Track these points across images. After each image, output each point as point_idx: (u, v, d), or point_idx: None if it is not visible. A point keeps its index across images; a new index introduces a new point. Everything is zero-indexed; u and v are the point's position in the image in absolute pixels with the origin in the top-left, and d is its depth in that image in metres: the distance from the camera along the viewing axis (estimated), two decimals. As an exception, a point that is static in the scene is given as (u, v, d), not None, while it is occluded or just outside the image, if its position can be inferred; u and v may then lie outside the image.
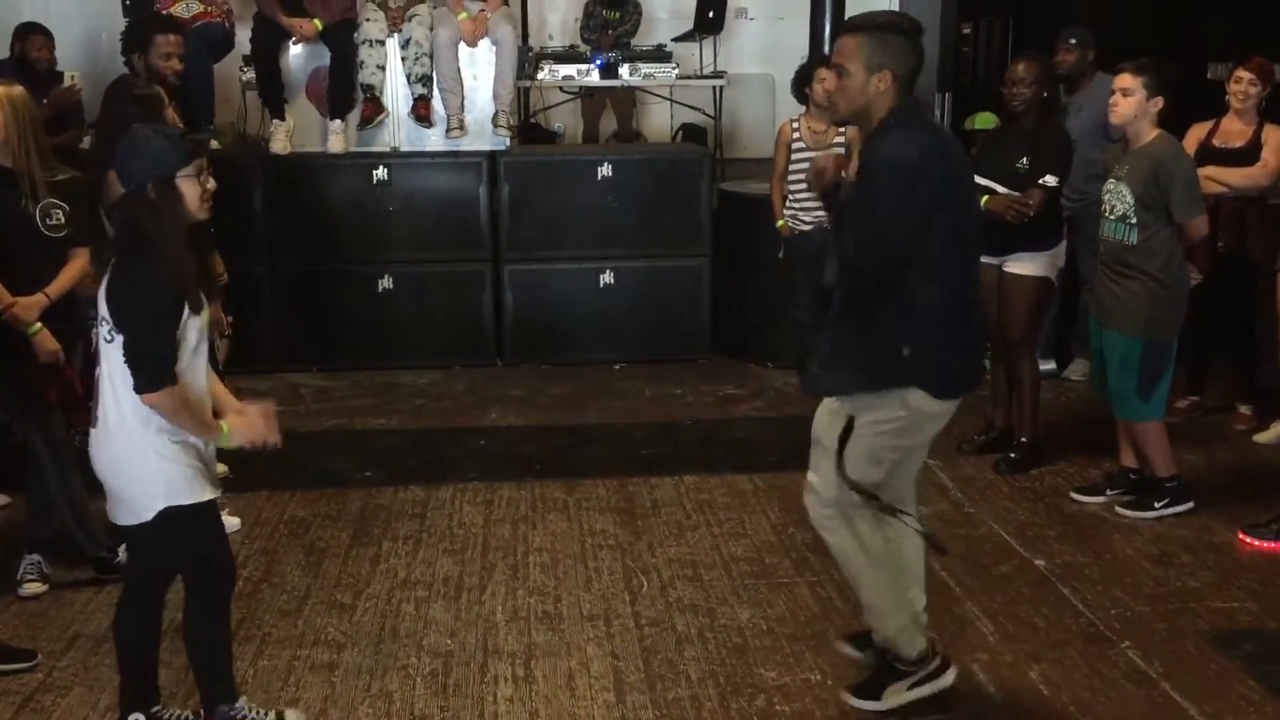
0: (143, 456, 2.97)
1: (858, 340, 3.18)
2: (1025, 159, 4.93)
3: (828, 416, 3.33)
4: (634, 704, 3.45)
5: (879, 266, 3.08)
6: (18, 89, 3.95)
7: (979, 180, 5.07)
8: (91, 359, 3.93)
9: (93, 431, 3.05)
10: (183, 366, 2.97)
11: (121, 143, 3.03)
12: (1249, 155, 5.34)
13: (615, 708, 3.43)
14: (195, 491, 3.02)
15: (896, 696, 3.31)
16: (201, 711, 3.24)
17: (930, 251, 3.04)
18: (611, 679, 3.58)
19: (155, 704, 3.24)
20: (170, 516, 2.98)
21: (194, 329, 2.99)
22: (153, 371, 2.90)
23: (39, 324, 3.90)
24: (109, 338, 2.96)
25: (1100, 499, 4.84)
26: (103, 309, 2.98)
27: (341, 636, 3.83)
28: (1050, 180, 4.89)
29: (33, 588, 4.08)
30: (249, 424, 3.11)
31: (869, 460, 3.20)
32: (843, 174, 3.30)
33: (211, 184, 3.09)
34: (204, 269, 3.25)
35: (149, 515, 2.99)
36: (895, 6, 8.89)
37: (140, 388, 2.90)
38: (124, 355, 2.92)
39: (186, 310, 2.96)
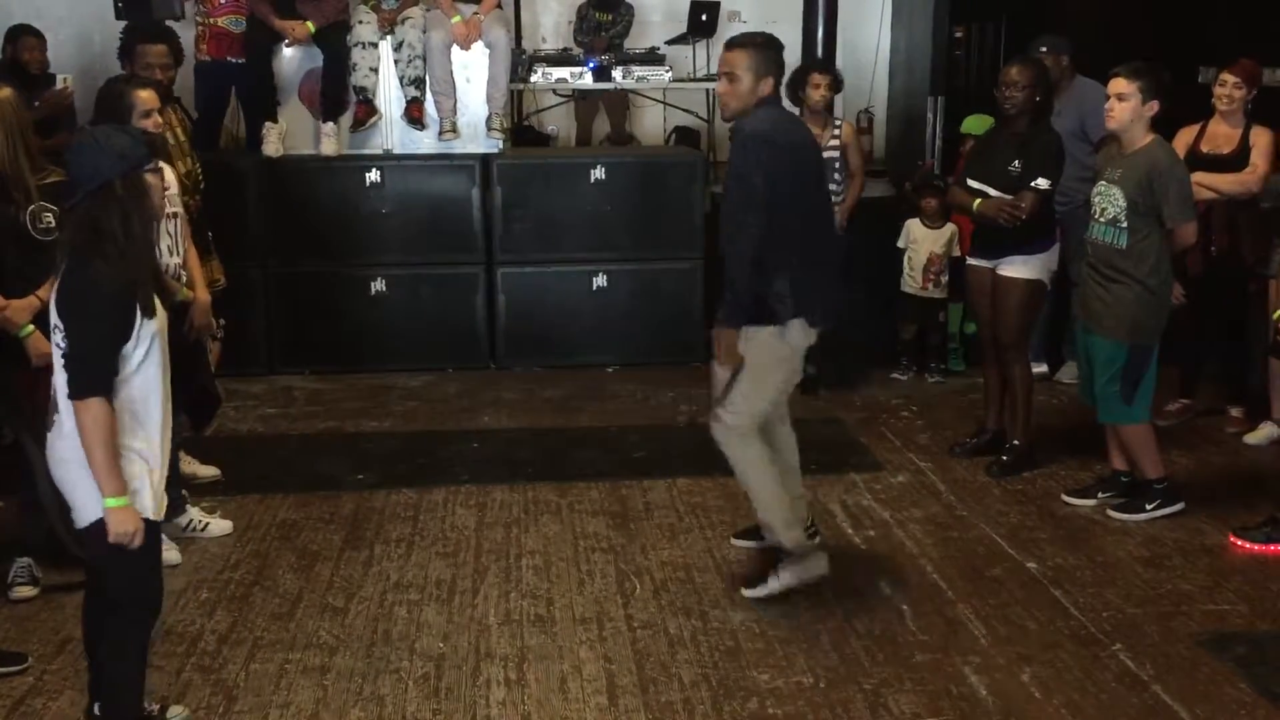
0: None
1: (746, 285, 3.81)
2: (1017, 162, 4.94)
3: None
4: (626, 707, 3.45)
5: (751, 214, 3.76)
6: (7, 91, 3.93)
7: (971, 183, 5.09)
8: None
9: (49, 435, 2.99)
10: (129, 373, 2.90)
11: (80, 142, 2.94)
12: (1237, 161, 5.36)
13: (608, 711, 3.43)
14: (143, 508, 2.93)
15: (778, 582, 4.01)
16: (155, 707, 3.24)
17: (784, 208, 3.78)
18: (604, 682, 3.58)
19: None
20: (105, 527, 2.90)
21: (146, 334, 2.91)
22: (88, 378, 2.82)
23: (31, 326, 3.89)
24: (60, 344, 2.87)
25: (1091, 502, 4.85)
26: (53, 315, 2.89)
27: (333, 640, 3.82)
28: (1042, 183, 4.90)
29: (23, 591, 4.07)
30: (122, 519, 2.90)
31: (760, 384, 3.92)
32: None
33: (170, 179, 3.01)
34: (157, 273, 3.14)
35: (86, 520, 2.93)
36: (889, 10, 8.95)
37: (73, 392, 2.83)
38: (62, 356, 2.85)
39: (139, 316, 2.88)
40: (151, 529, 2.99)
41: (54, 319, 2.91)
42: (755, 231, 3.74)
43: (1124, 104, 4.46)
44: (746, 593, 4.06)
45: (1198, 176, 5.04)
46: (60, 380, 2.91)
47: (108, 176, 2.85)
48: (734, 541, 4.52)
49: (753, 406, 3.93)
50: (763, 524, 4.07)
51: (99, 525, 2.91)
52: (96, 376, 2.84)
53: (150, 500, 2.96)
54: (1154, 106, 4.47)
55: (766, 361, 3.92)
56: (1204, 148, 5.44)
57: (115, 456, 2.88)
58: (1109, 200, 4.53)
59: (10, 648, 3.72)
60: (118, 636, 3.08)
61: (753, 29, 8.92)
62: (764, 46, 3.93)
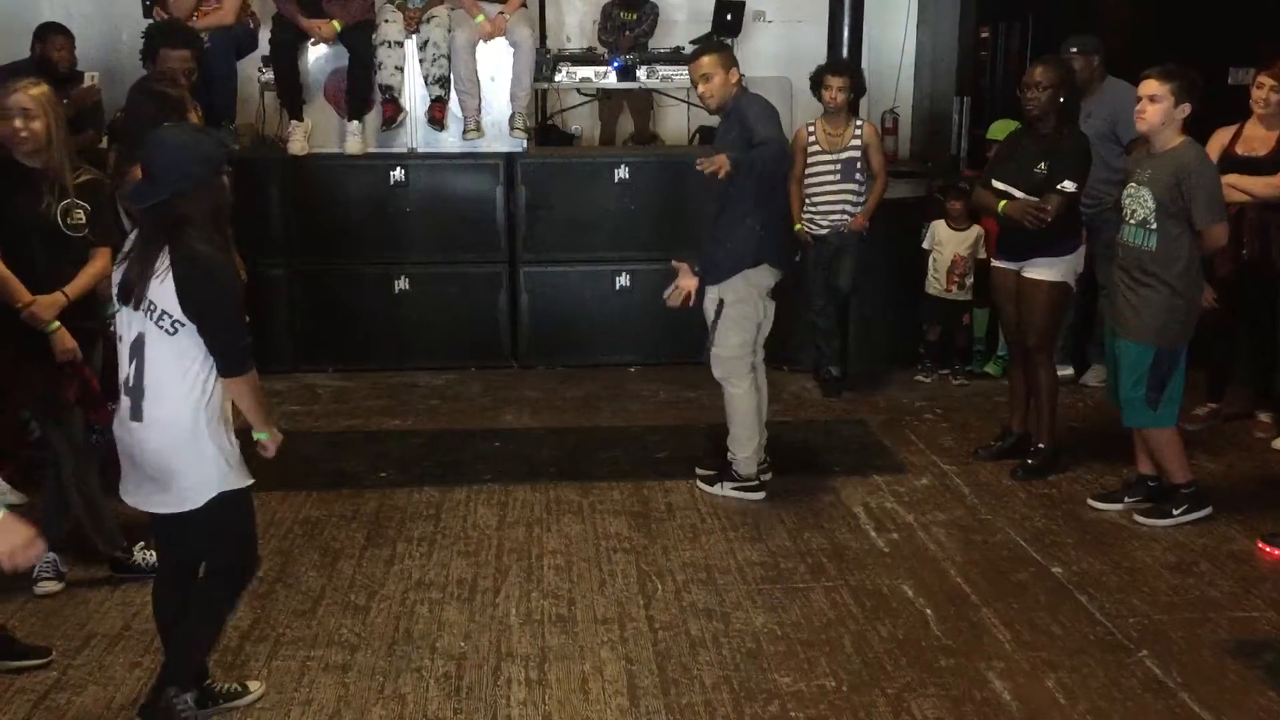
0: (198, 446, 3.05)
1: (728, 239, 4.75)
2: (1044, 164, 4.90)
3: (709, 302, 4.86)
4: (647, 709, 3.44)
5: (777, 158, 4.78)
6: (45, 86, 3.97)
7: (997, 185, 5.05)
8: (113, 357, 3.99)
9: (134, 426, 3.07)
10: None
11: (163, 143, 3.06)
12: (1272, 164, 5.29)
13: (629, 712, 3.42)
14: (244, 476, 3.16)
15: (722, 489, 5.00)
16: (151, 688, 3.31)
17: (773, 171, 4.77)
18: (625, 683, 3.57)
19: (205, 679, 3.38)
20: (224, 501, 3.10)
21: None
22: (241, 356, 3.05)
23: (57, 322, 3.92)
24: (171, 330, 3.00)
25: (1118, 506, 4.80)
26: (164, 304, 2.99)
27: (355, 638, 3.83)
28: (1069, 186, 4.86)
29: (48, 586, 4.10)
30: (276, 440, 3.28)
31: (738, 321, 4.83)
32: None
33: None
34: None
35: (201, 500, 3.08)
36: (915, 10, 8.90)
37: (228, 371, 3.05)
38: (210, 343, 3.02)
39: None
40: (250, 490, 3.22)
41: (164, 305, 2.99)
42: (754, 198, 4.67)
43: (1156, 106, 4.41)
44: (699, 470, 5.14)
45: (1230, 179, 4.99)
46: (154, 368, 3.02)
47: (196, 177, 2.99)
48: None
49: (736, 339, 4.84)
50: (730, 449, 4.98)
51: (211, 504, 3.08)
52: (246, 351, 3.07)
53: (247, 470, 3.19)
54: (1186, 109, 4.42)
55: (741, 300, 4.79)
56: (1239, 150, 5.37)
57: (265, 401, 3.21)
58: (1139, 202, 4.49)
59: (35, 642, 3.74)
60: (214, 600, 3.26)
61: (778, 28, 9.03)
62: (721, 48, 4.89)
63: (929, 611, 4.00)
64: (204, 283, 2.99)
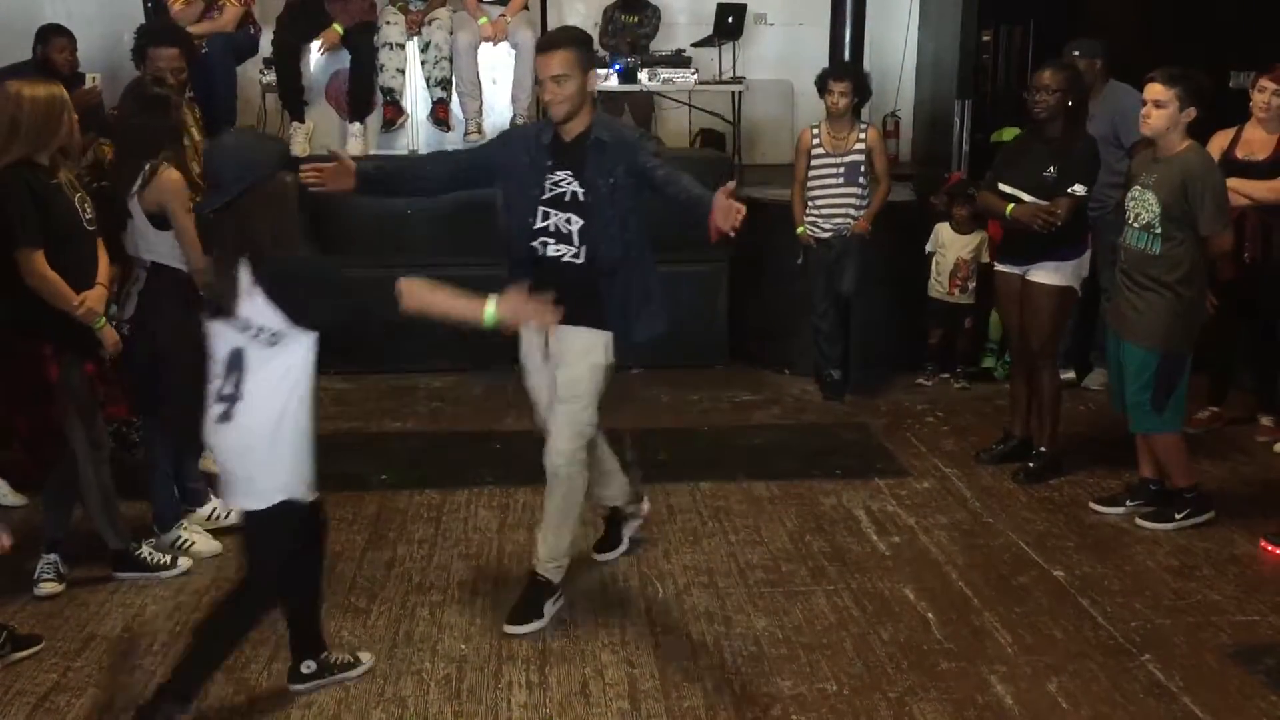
0: (276, 451, 3.10)
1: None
2: (1053, 168, 4.88)
3: (568, 369, 3.89)
4: (648, 712, 3.43)
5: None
6: (59, 86, 3.98)
7: (1004, 188, 5.03)
8: (126, 356, 4.01)
9: (221, 428, 3.11)
10: (309, 354, 3.12)
11: (224, 148, 3.17)
12: (1273, 167, 5.29)
13: (630, 715, 3.41)
14: (306, 493, 3.22)
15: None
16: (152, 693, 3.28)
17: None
18: (626, 686, 3.56)
19: (323, 650, 3.52)
20: (284, 510, 3.16)
21: None
22: (387, 304, 3.17)
23: (104, 318, 3.96)
24: (270, 341, 3.03)
25: (1120, 510, 4.80)
26: (260, 320, 3.02)
27: (355, 640, 3.81)
28: (1079, 189, 4.84)
29: (49, 587, 4.09)
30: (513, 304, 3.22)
31: (596, 395, 3.92)
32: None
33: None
34: None
35: (270, 501, 3.14)
36: (915, 12, 8.90)
37: (395, 314, 3.15)
38: (348, 325, 3.16)
39: None
40: (311, 507, 3.27)
41: (259, 321, 3.02)
42: None
43: (1161, 111, 4.39)
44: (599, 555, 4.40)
45: (1232, 183, 4.97)
46: (258, 380, 3.06)
47: (261, 175, 3.04)
48: None
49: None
50: (556, 559, 4.00)
51: (274, 509, 3.14)
52: (384, 301, 3.20)
53: (310, 489, 3.23)
54: (1191, 113, 4.40)
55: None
56: (1239, 153, 5.37)
57: (451, 298, 3.24)
58: (1143, 206, 4.48)
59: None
60: (240, 611, 3.27)
61: (780, 31, 9.03)
62: (583, 42, 3.86)
63: (931, 615, 3.99)
64: (298, 288, 3.06)
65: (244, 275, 3.02)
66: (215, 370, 3.12)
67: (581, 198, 3.78)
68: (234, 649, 3.38)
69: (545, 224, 3.84)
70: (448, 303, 3.21)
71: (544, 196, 3.82)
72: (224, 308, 3.05)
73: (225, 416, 3.10)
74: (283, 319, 3.02)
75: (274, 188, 3.07)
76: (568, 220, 3.81)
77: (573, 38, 3.84)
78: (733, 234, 3.45)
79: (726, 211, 3.42)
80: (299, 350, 3.07)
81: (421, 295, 3.16)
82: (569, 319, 3.59)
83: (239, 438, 3.11)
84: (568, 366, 3.87)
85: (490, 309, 3.14)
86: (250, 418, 3.08)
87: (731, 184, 3.53)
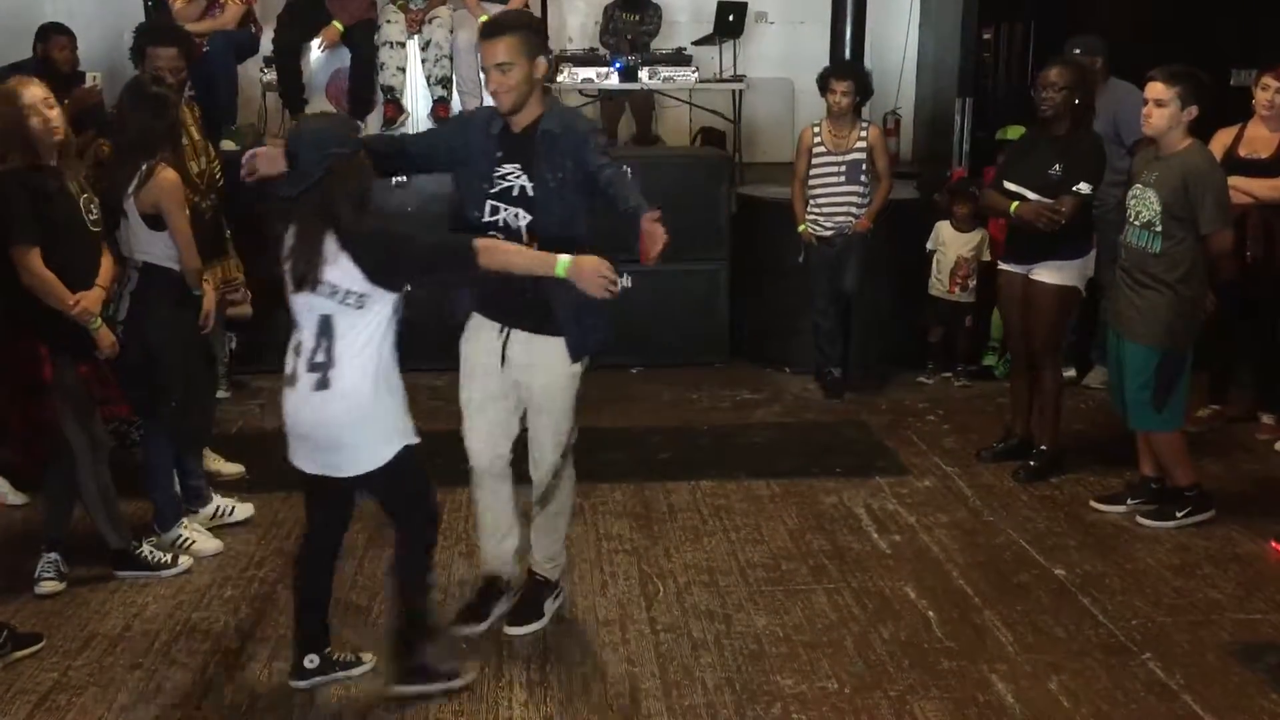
0: (379, 408, 3.27)
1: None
2: (1058, 166, 4.87)
3: (543, 377, 3.73)
4: (649, 710, 3.43)
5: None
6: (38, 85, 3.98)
7: (1009, 186, 5.02)
8: (124, 354, 4.02)
9: (317, 396, 3.22)
10: (389, 326, 3.31)
11: (302, 133, 3.32)
12: (1275, 166, 5.28)
13: (631, 714, 3.41)
14: (413, 435, 3.41)
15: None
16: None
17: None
18: (627, 685, 3.56)
19: (326, 646, 3.54)
20: (402, 456, 3.33)
21: None
22: (460, 259, 3.26)
23: (99, 319, 3.95)
24: (358, 304, 3.19)
25: (1121, 508, 4.79)
26: (346, 284, 3.17)
27: (357, 639, 3.81)
28: (1084, 188, 4.83)
29: (49, 586, 4.09)
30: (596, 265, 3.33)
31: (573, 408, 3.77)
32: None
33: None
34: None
35: (387, 457, 3.30)
36: (916, 10, 8.89)
37: (474, 265, 3.24)
38: (436, 281, 3.40)
39: None
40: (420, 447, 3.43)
41: (347, 285, 3.18)
42: None
43: (1162, 110, 4.38)
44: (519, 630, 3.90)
45: (1234, 181, 4.97)
46: (342, 343, 3.21)
47: (338, 157, 3.18)
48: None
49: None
50: (556, 561, 3.98)
51: (394, 461, 3.32)
52: (459, 248, 3.29)
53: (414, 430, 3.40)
54: (1193, 112, 4.38)
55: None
56: (1241, 152, 5.36)
57: (523, 253, 3.36)
58: (1144, 204, 4.47)
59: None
60: (413, 569, 3.49)
61: (780, 29, 9.03)
62: (529, 27, 3.64)
63: (931, 613, 3.99)
64: (381, 250, 3.20)
65: (330, 244, 3.17)
66: (304, 342, 3.25)
67: (530, 192, 3.55)
68: (431, 587, 3.57)
69: (494, 219, 3.58)
70: (522, 257, 3.33)
71: (492, 190, 3.58)
72: (308, 278, 3.19)
73: (322, 384, 3.22)
74: (367, 280, 3.16)
75: (354, 164, 3.23)
76: (516, 215, 3.56)
77: (518, 23, 3.63)
78: (651, 263, 3.42)
79: (652, 237, 3.36)
80: (384, 311, 3.23)
81: (496, 252, 3.28)
82: (532, 326, 3.63)
83: (342, 405, 3.22)
84: (542, 374, 3.69)
85: (564, 261, 3.28)
86: (348, 381, 3.21)
87: (657, 211, 3.41)
